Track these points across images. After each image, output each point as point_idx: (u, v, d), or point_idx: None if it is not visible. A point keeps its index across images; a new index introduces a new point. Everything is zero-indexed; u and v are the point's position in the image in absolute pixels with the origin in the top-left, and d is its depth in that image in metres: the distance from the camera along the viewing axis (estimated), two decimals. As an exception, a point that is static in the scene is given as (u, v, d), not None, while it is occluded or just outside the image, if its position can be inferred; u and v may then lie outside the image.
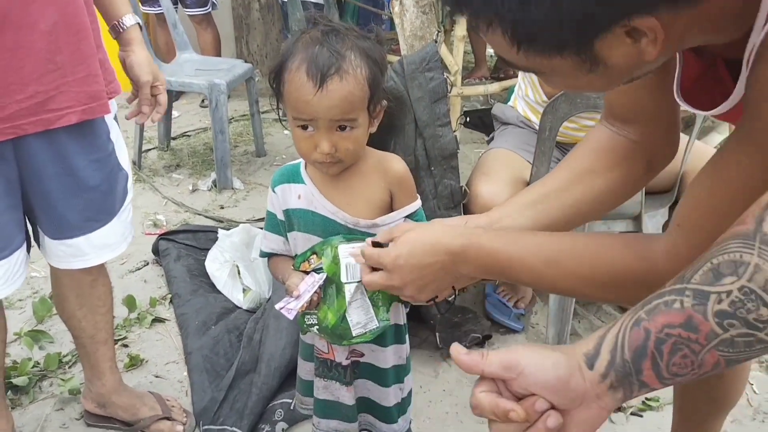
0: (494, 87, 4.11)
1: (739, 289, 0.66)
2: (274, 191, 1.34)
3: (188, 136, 4.29)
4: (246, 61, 4.09)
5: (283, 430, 1.91)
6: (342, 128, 1.21)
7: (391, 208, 1.32)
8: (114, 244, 1.72)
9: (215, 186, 3.51)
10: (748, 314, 0.65)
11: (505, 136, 2.41)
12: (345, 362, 1.38)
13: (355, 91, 1.18)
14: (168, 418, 1.92)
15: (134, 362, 2.19)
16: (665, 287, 0.72)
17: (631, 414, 1.99)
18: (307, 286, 1.24)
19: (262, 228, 2.77)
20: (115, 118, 1.68)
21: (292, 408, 1.93)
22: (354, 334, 1.27)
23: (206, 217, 3.20)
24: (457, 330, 2.27)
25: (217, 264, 2.55)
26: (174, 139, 4.14)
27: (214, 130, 3.43)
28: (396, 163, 1.33)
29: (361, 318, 1.27)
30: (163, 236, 2.80)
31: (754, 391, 2.07)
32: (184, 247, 2.73)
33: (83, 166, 1.58)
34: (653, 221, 2.20)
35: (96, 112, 1.56)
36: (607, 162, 1.17)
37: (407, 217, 1.33)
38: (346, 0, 5.24)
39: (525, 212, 1.16)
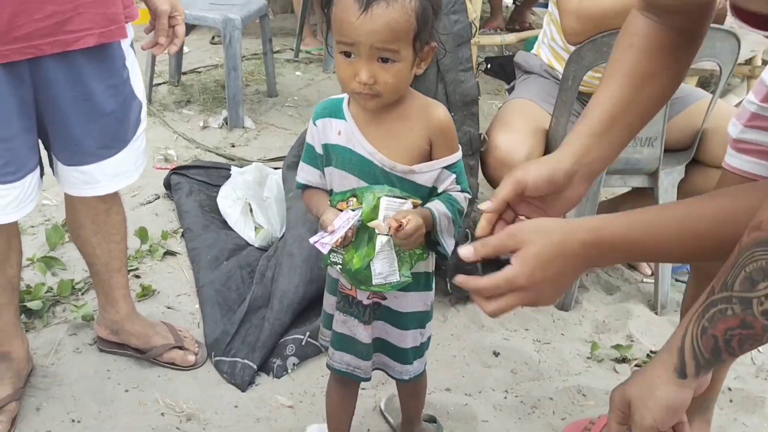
0: (511, 37, 4.05)
1: None
2: (315, 124, 1.33)
3: (198, 72, 4.23)
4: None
5: (294, 364, 1.94)
6: (384, 60, 1.19)
7: (430, 156, 1.31)
8: (127, 173, 1.72)
9: (226, 124, 3.48)
10: None
11: (527, 86, 2.38)
12: (366, 301, 1.39)
13: (400, 20, 1.16)
14: (180, 348, 1.95)
15: (146, 292, 2.21)
16: (716, 293, 0.87)
17: (636, 366, 2.02)
18: (342, 222, 1.24)
19: (274, 168, 2.80)
20: (131, 45, 1.66)
21: (303, 344, 1.95)
22: (374, 283, 1.28)
23: (217, 154, 3.18)
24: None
25: (229, 201, 2.55)
26: (184, 74, 4.10)
27: (227, 66, 3.39)
28: (440, 111, 1.31)
29: (384, 269, 1.28)
30: (175, 171, 2.79)
31: (758, 350, 2.10)
32: (196, 182, 2.72)
33: (99, 90, 1.56)
34: (669, 178, 2.19)
35: (114, 35, 1.54)
36: (662, 61, 1.13)
37: (446, 168, 1.31)
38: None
39: (604, 139, 1.13)
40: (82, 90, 1.53)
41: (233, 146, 3.30)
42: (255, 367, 1.89)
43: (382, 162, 1.28)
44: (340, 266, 1.31)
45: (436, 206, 1.30)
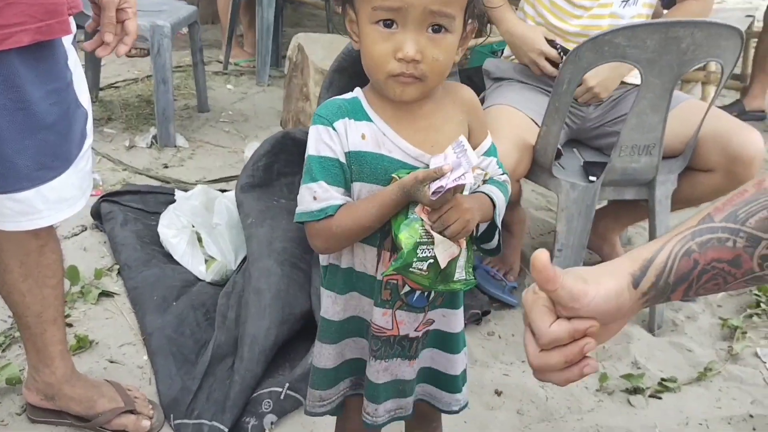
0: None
1: None
2: (333, 128, 1.04)
3: (117, 87, 3.85)
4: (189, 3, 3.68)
5: (272, 423, 1.64)
6: (435, 30, 0.96)
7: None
8: (71, 199, 1.40)
9: (156, 142, 3.13)
10: None
11: (502, 93, 2.18)
12: (413, 334, 1.15)
13: None
14: (132, 412, 1.62)
15: (82, 344, 1.86)
16: (715, 221, 0.79)
17: (650, 396, 1.84)
18: (453, 153, 0.98)
19: (220, 190, 2.49)
20: (74, 43, 1.34)
21: (282, 397, 1.66)
22: (455, 278, 1.07)
23: (149, 176, 2.83)
24: (454, 305, 2.05)
25: (173, 230, 2.22)
26: (102, 90, 3.71)
27: (155, 79, 3.04)
28: (468, 91, 1.11)
29: (462, 264, 1.08)
30: (105, 198, 2.43)
31: (767, 366, 1.97)
32: (131, 210, 2.38)
33: (37, 98, 1.24)
34: (663, 188, 2.04)
35: (54, 31, 1.23)
36: None
37: (484, 154, 1.14)
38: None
39: None
40: (16, 97, 1.21)
41: (166, 167, 2.96)
42: (226, 430, 1.59)
43: (430, 164, 1.04)
44: (430, 261, 1.04)
45: (491, 190, 1.11)
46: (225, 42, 4.24)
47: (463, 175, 0.96)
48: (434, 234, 1.04)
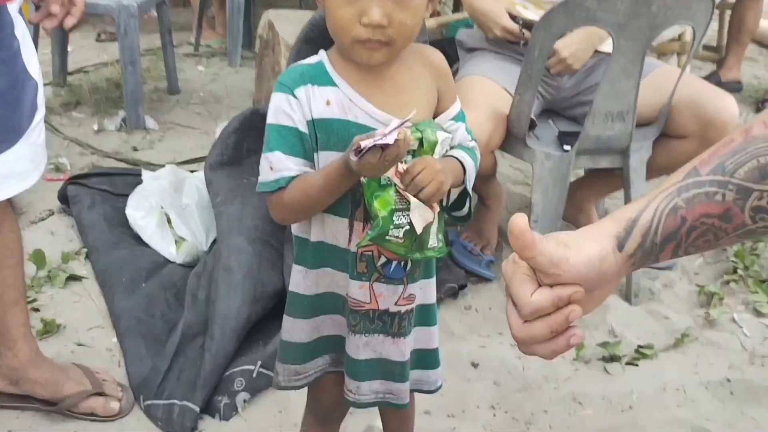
0: (431, 23, 3.85)
1: None
2: (293, 95, 1.01)
3: (86, 72, 3.76)
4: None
5: (244, 401, 1.61)
6: None
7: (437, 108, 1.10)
8: (23, 173, 1.35)
9: (125, 125, 3.06)
10: None
11: (476, 63, 2.15)
12: (394, 308, 1.12)
13: None
14: (100, 394, 1.58)
15: (49, 328, 1.81)
16: (702, 174, 0.74)
17: (627, 364, 1.83)
18: (394, 125, 0.93)
19: (191, 171, 2.44)
20: (21, 12, 1.29)
21: (254, 375, 1.63)
22: (429, 245, 1.06)
23: (118, 159, 2.77)
24: (429, 279, 2.03)
25: (141, 211, 2.17)
26: (70, 74, 3.62)
27: (122, 61, 2.97)
28: (437, 54, 1.08)
29: (434, 231, 1.06)
30: (72, 181, 2.37)
31: (745, 334, 1.97)
32: (98, 192, 2.32)
33: None
34: (638, 155, 2.02)
35: None
36: None
37: (453, 119, 1.12)
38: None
39: None
40: None
41: (136, 150, 2.90)
42: (197, 409, 1.56)
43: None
44: (406, 228, 1.02)
45: (461, 155, 1.10)
46: (195, 23, 4.16)
47: (388, 134, 0.92)
48: (410, 198, 1.02)
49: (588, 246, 0.74)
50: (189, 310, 1.77)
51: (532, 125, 2.00)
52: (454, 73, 2.28)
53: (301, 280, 1.14)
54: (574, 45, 1.99)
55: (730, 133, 2.21)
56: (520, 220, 0.70)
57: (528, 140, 1.97)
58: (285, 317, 1.18)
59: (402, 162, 1.02)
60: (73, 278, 2.04)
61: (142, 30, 3.92)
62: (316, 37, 1.91)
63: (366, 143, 0.92)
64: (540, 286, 0.72)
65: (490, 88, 2.01)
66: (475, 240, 2.30)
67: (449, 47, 2.51)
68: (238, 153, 2.19)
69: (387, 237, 1.03)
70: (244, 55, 4.03)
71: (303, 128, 1.02)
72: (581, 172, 2.46)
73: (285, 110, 1.01)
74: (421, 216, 1.04)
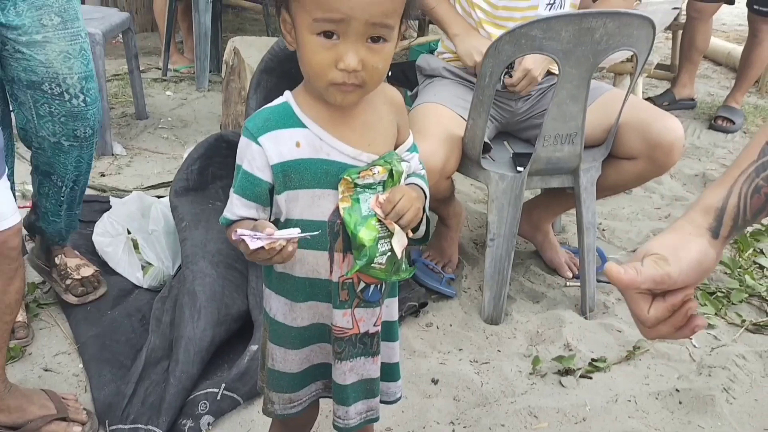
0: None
1: None
2: (257, 143, 1.05)
3: (53, 97, 3.78)
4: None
5: (209, 424, 1.65)
6: (374, 39, 0.98)
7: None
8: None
9: (92, 152, 3.09)
10: None
11: (432, 89, 2.23)
12: (373, 329, 1.17)
13: None
14: (64, 419, 1.61)
15: (15, 354, 1.83)
16: None
17: (581, 377, 1.89)
18: (286, 232, 1.00)
19: (158, 196, 2.48)
20: None
21: (218, 398, 1.67)
22: (402, 267, 1.14)
23: (85, 186, 2.80)
24: (391, 299, 2.08)
25: (107, 238, 2.21)
26: (37, 100, 3.64)
27: (89, 87, 3.01)
28: (395, 90, 1.15)
29: (404, 254, 1.14)
30: (38, 208, 2.39)
31: (694, 345, 2.05)
32: (64, 219, 2.34)
33: None
34: (588, 176, 2.10)
35: None
36: None
37: (408, 150, 1.20)
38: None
39: None
40: None
41: (103, 176, 2.93)
42: (162, 432, 1.59)
43: (369, 161, 1.09)
44: (388, 254, 1.10)
45: (420, 183, 1.17)
46: (163, 49, 4.20)
47: (265, 237, 0.99)
48: (393, 225, 1.08)
49: (686, 251, 0.83)
50: (153, 334, 1.81)
51: (487, 148, 2.08)
52: (414, 96, 2.37)
53: (287, 312, 1.18)
54: (535, 57, 2.04)
55: (676, 153, 2.29)
56: (611, 269, 0.81)
57: (483, 162, 2.04)
58: (273, 346, 1.21)
59: (379, 193, 1.09)
60: (39, 305, 2.06)
61: (111, 55, 3.98)
62: (275, 67, 1.99)
63: (242, 233, 0.98)
64: (654, 297, 0.84)
65: (445, 115, 2.08)
66: (436, 258, 2.37)
67: (411, 71, 2.59)
68: (202, 179, 2.24)
69: (372, 265, 1.10)
70: (212, 79, 4.09)
71: (261, 174, 1.06)
72: (539, 191, 2.54)
73: (246, 155, 1.07)
74: (399, 241, 1.11)
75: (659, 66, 4.23)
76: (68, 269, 2.06)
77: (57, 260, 2.08)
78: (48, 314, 2.04)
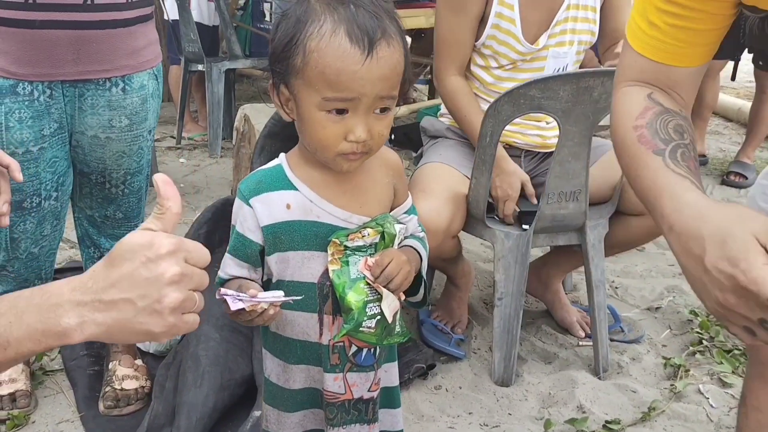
0: (403, 110, 4.01)
1: None
2: (248, 204, 1.07)
3: (70, 167, 3.87)
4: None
5: (210, 492, 1.61)
6: (381, 110, 1.01)
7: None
8: None
9: (105, 219, 3.13)
10: None
11: (436, 150, 2.25)
12: (367, 395, 1.15)
13: (401, 60, 1.00)
14: (65, 491, 1.58)
15: (19, 422, 1.82)
16: None
17: (594, 440, 1.84)
18: (269, 295, 1.00)
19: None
20: None
21: (220, 465, 1.64)
22: (395, 332, 1.13)
23: (97, 253, 2.82)
24: (398, 361, 2.04)
25: (115, 303, 2.21)
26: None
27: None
28: (393, 154, 1.17)
29: (398, 317, 1.13)
30: (48, 275, 2.42)
31: (711, 405, 1.98)
32: (74, 286, 2.36)
33: None
34: (595, 233, 2.09)
35: None
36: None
37: (405, 212, 1.21)
38: (238, 26, 5.01)
39: None
40: None
41: (115, 242, 2.95)
42: (162, 502, 1.56)
43: (360, 224, 1.10)
44: (378, 317, 1.08)
45: (416, 245, 1.16)
46: (177, 117, 4.30)
47: (246, 299, 1.00)
48: (382, 289, 1.08)
49: None
50: (156, 401, 1.79)
51: (492, 207, 2.08)
52: (419, 157, 2.39)
53: (281, 373, 1.17)
54: (499, 180, 2.02)
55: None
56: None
57: (488, 221, 2.04)
58: (268, 407, 1.19)
59: (369, 256, 1.09)
60: (45, 372, 2.05)
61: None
62: (279, 132, 2.02)
63: (225, 293, 1.00)
64: None
65: (449, 175, 2.09)
66: (445, 319, 2.34)
67: (414, 132, 2.64)
68: (209, 243, 2.25)
69: (361, 328, 1.09)
70: (226, 146, 4.16)
71: (252, 235, 1.08)
72: (548, 249, 2.52)
73: (239, 217, 1.09)
74: (389, 305, 1.10)
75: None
76: (114, 377, 1.92)
77: (111, 365, 1.96)
78: (53, 381, 2.03)
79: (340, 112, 1.00)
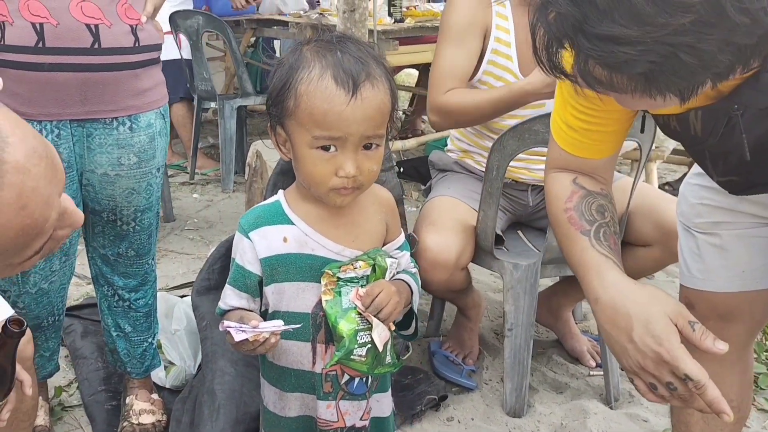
0: (411, 142, 4.09)
1: None
2: (248, 237, 1.14)
3: (86, 204, 3.94)
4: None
5: None
6: (368, 147, 1.08)
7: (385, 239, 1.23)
8: None
9: (121, 255, 3.19)
10: None
11: (445, 183, 2.30)
12: (359, 423, 1.19)
13: (385, 100, 1.07)
14: None
15: (38, 460, 1.86)
16: None
17: (607, 469, 1.85)
18: (270, 324, 1.05)
19: (180, 296, 2.54)
20: None
21: (236, 499, 1.66)
22: (386, 362, 1.17)
23: (113, 289, 2.87)
24: (410, 392, 2.08)
25: (132, 339, 2.25)
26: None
27: (118, 194, 3.14)
28: (386, 192, 1.23)
29: (389, 347, 1.17)
30: (66, 312, 2.46)
31: (724, 433, 1.98)
32: (91, 322, 2.41)
33: None
34: (603, 262, 2.11)
35: None
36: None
37: (398, 248, 1.25)
38: (249, 63, 5.12)
39: None
40: None
41: (131, 278, 3.00)
42: None
43: (352, 257, 1.15)
44: (368, 346, 1.13)
45: (408, 279, 1.21)
46: (190, 154, 4.38)
47: (249, 329, 1.07)
48: (372, 318, 1.12)
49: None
50: (173, 436, 1.82)
51: (500, 240, 2.11)
52: (428, 190, 2.43)
53: (277, 401, 1.22)
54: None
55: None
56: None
57: (496, 252, 2.07)
58: None
59: (361, 287, 1.14)
60: (64, 408, 2.09)
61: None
62: (290, 170, 2.06)
63: (228, 325, 1.05)
64: None
65: (457, 208, 2.14)
66: (456, 350, 2.36)
67: (422, 166, 2.69)
68: (224, 278, 2.27)
69: (352, 356, 1.13)
70: (238, 180, 4.23)
71: (251, 267, 1.14)
72: (557, 279, 2.55)
73: (239, 249, 1.14)
74: (380, 335, 1.15)
75: (675, 151, 4.27)
76: (131, 412, 1.95)
77: (128, 399, 1.99)
78: (72, 416, 2.07)
79: (328, 149, 1.06)
